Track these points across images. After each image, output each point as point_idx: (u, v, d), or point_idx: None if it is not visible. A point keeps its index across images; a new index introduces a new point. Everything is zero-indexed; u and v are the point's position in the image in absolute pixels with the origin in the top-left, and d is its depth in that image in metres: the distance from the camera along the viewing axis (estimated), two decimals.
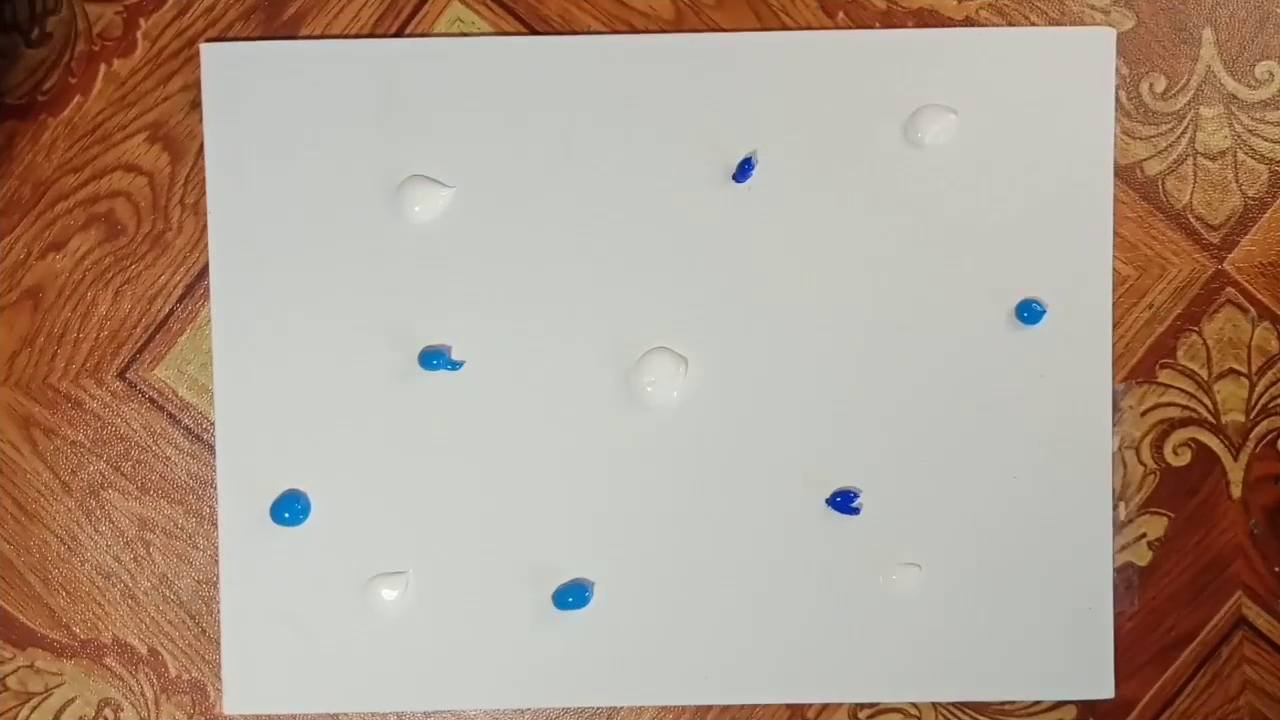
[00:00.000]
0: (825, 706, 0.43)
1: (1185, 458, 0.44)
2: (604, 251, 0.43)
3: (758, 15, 0.43)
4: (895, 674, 0.43)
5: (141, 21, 0.43)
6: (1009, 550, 0.43)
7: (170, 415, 0.43)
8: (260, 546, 0.43)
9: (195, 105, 0.43)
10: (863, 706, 0.43)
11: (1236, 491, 0.44)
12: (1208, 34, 0.43)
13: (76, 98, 0.43)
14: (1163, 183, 0.43)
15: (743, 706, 0.43)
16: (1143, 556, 0.44)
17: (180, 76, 0.43)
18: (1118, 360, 0.43)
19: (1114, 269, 0.43)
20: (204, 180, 0.43)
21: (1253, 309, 0.43)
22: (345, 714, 0.43)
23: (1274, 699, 0.44)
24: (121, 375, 0.43)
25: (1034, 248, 0.43)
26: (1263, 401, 0.44)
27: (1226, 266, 0.43)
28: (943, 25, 0.43)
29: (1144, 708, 0.44)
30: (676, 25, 0.43)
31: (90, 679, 0.44)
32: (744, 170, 0.42)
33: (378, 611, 0.43)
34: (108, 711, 0.44)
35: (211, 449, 0.43)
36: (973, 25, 0.43)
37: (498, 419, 0.43)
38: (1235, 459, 0.44)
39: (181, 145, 0.43)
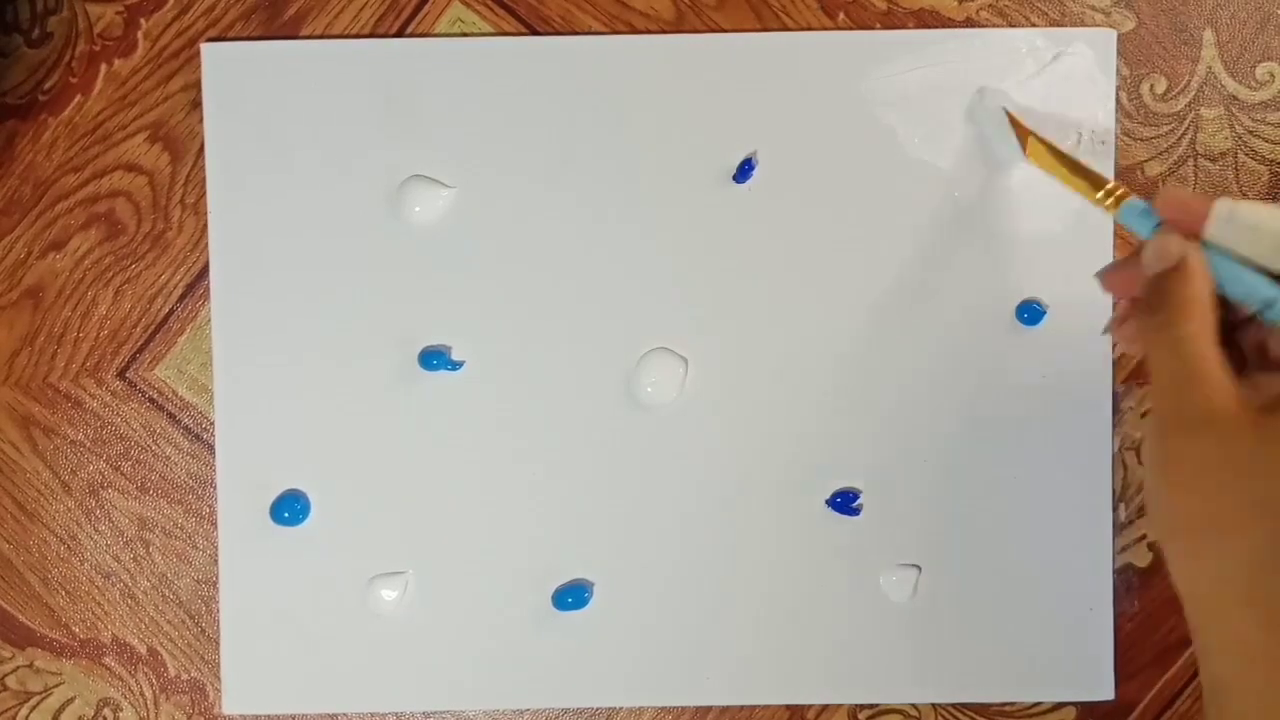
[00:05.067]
0: (825, 707, 0.43)
1: None
2: (604, 252, 0.43)
3: (758, 15, 0.43)
4: (895, 675, 0.43)
5: (142, 21, 0.43)
6: (1009, 551, 0.43)
7: (170, 415, 0.43)
8: (260, 546, 0.43)
9: (196, 105, 0.43)
10: (862, 707, 0.43)
11: None
12: (1208, 35, 0.43)
13: (77, 97, 0.43)
14: (1163, 184, 0.43)
15: (742, 707, 0.43)
16: (1143, 558, 0.43)
17: (181, 76, 0.43)
18: (1118, 361, 0.43)
19: None
20: (204, 180, 0.43)
21: None
22: (344, 714, 0.43)
23: None
24: (121, 375, 0.43)
25: (1034, 249, 0.43)
26: None
27: None
28: (943, 26, 0.43)
29: (1144, 709, 0.44)
30: (677, 26, 0.43)
31: (89, 679, 0.44)
32: (744, 171, 0.42)
33: (377, 612, 0.43)
34: (107, 711, 0.44)
35: (211, 449, 0.43)
36: (973, 26, 0.43)
37: (498, 419, 0.43)
38: None
39: (182, 145, 0.43)
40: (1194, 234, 0.33)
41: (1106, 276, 0.36)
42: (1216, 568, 0.30)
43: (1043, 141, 0.39)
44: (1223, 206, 0.32)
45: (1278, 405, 0.30)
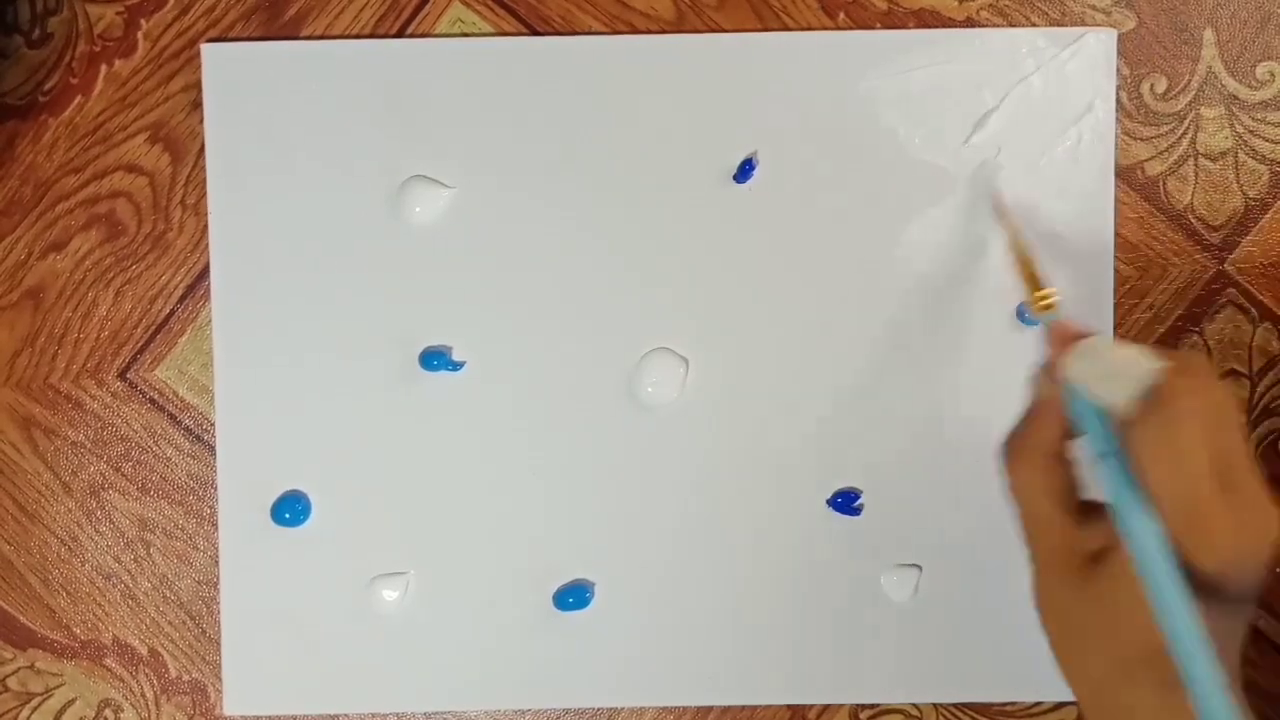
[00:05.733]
0: (826, 707, 0.43)
1: None
2: (605, 252, 0.43)
3: (758, 16, 0.43)
4: (896, 675, 0.43)
5: (142, 22, 0.43)
6: (1010, 551, 0.42)
7: (171, 416, 0.43)
8: (260, 547, 0.43)
9: (196, 105, 0.43)
10: (864, 707, 0.43)
11: None
12: (1209, 34, 0.43)
13: (77, 98, 0.43)
14: (1164, 183, 0.43)
15: (743, 707, 0.43)
16: None
17: (181, 77, 0.43)
18: None
19: (1115, 270, 0.43)
20: (205, 181, 0.43)
21: (1254, 310, 0.43)
22: (345, 714, 0.43)
23: (1275, 700, 0.44)
24: (122, 376, 0.43)
25: (1035, 249, 0.43)
26: (1264, 403, 0.43)
27: (1228, 267, 0.43)
28: (944, 26, 0.43)
29: None
30: (677, 26, 0.43)
31: (90, 680, 0.44)
32: (745, 171, 0.42)
33: (378, 612, 0.43)
34: (108, 712, 0.44)
35: (212, 449, 0.43)
36: (974, 25, 0.43)
37: (498, 420, 0.43)
38: None
39: (182, 145, 0.43)
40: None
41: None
42: (1073, 686, 0.33)
43: (1012, 234, 0.40)
44: (1083, 344, 0.32)
45: (1103, 554, 0.31)
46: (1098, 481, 0.31)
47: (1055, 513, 0.32)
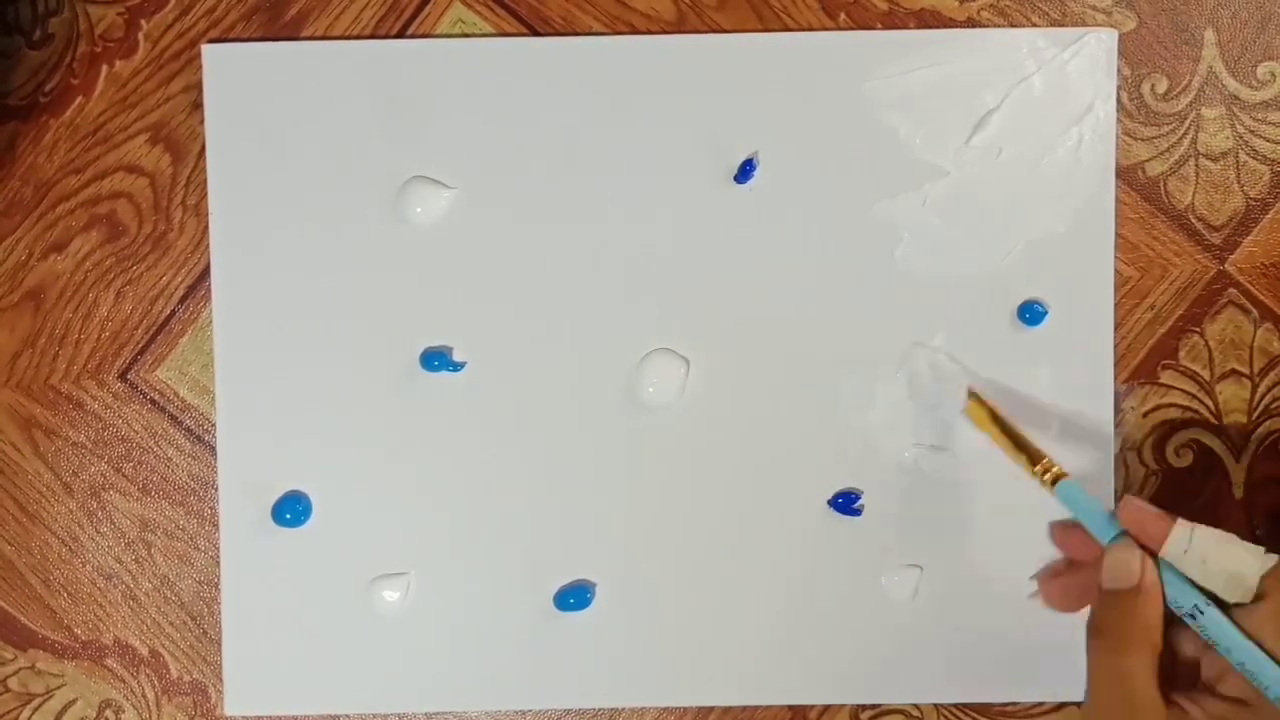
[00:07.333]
0: (827, 707, 0.43)
1: (1187, 459, 0.44)
2: (606, 252, 0.43)
3: (759, 16, 0.43)
4: (897, 675, 0.43)
5: (143, 23, 0.43)
6: (1011, 551, 0.43)
7: (171, 416, 0.43)
8: (261, 548, 0.43)
9: (197, 106, 0.43)
10: (864, 708, 0.43)
11: (1239, 493, 0.44)
12: (1209, 35, 0.43)
13: (78, 99, 0.43)
14: (1164, 184, 0.43)
15: (744, 708, 0.43)
16: None
17: (182, 78, 0.43)
18: (1119, 361, 0.43)
19: (1116, 270, 0.43)
20: (205, 181, 0.43)
21: (1255, 310, 0.43)
22: (346, 715, 0.43)
23: None
24: (123, 376, 0.43)
25: (1035, 249, 0.43)
26: (1265, 403, 0.43)
27: (1228, 267, 0.43)
28: (944, 26, 0.43)
29: None
30: (678, 26, 0.43)
31: (91, 680, 0.44)
32: (745, 171, 0.42)
33: (379, 612, 0.43)
34: (109, 713, 0.44)
35: (213, 450, 0.43)
36: (974, 26, 0.43)
37: (499, 420, 0.43)
38: (1237, 460, 0.43)
39: (183, 146, 0.43)
40: (1149, 549, 0.34)
41: (1058, 531, 0.38)
42: None
43: (984, 405, 0.40)
44: (1180, 534, 0.34)
45: None
46: (1212, 638, 0.33)
47: (1159, 697, 0.32)
